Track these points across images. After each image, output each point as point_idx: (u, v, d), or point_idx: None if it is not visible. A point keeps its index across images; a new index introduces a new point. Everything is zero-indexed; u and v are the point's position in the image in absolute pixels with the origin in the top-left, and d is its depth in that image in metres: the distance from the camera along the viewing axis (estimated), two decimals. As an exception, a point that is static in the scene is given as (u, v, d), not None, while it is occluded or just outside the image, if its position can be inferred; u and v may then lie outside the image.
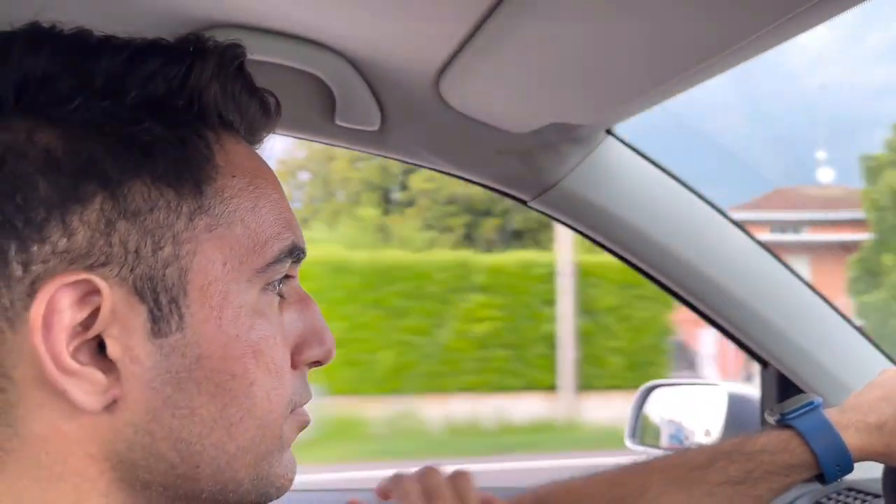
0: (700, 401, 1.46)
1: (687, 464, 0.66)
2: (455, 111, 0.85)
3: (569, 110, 0.82)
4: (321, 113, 0.87)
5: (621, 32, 0.65)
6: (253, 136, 0.49)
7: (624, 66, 0.72)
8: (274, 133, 0.91)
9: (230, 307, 0.42)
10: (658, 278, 1.04)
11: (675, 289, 1.05)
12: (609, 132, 0.95)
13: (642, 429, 1.50)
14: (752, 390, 1.28)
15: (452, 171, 0.98)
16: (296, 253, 0.46)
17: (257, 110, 0.48)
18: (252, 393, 0.43)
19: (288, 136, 0.93)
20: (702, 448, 0.67)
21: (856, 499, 1.10)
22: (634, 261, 1.02)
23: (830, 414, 0.65)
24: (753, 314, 1.07)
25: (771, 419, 0.69)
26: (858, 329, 1.11)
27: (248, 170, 0.46)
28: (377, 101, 0.84)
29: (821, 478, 0.65)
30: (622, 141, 0.97)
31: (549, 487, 0.68)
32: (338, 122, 0.87)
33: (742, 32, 0.60)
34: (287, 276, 0.47)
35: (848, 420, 0.64)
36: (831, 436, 0.63)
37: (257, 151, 0.50)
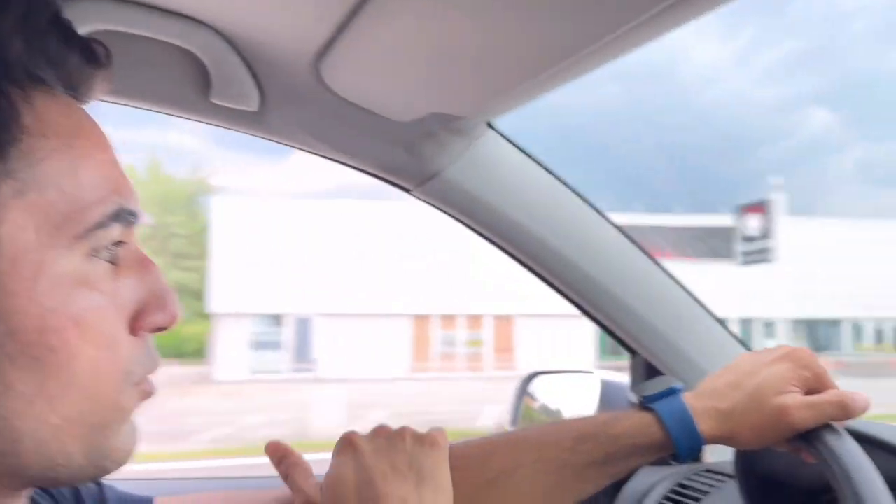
0: (577, 387, 1.53)
1: (557, 444, 0.67)
2: (337, 96, 0.84)
3: (448, 101, 0.83)
4: (195, 90, 0.84)
5: (495, 25, 0.66)
6: (77, 90, 0.45)
7: (499, 59, 0.73)
8: (144, 108, 0.88)
9: (45, 278, 0.40)
10: (534, 268, 1.07)
11: (551, 279, 1.09)
12: (490, 126, 0.97)
13: (523, 415, 1.55)
14: (623, 377, 1.35)
15: (335, 157, 0.97)
16: (124, 217, 0.43)
17: (78, 62, 0.44)
18: (74, 366, 0.41)
19: (161, 112, 0.89)
20: (570, 427, 0.68)
21: (713, 479, 1.18)
22: (512, 251, 1.05)
23: (688, 399, 0.68)
24: (623, 305, 1.12)
25: (635, 400, 0.72)
26: (717, 318, 1.19)
27: (66, 129, 0.42)
28: (255, 81, 0.82)
29: (674, 456, 0.68)
30: (503, 135, 0.99)
31: None
32: (213, 101, 0.84)
33: (611, 25, 0.62)
34: (121, 242, 0.44)
35: (702, 406, 0.67)
36: (687, 422, 0.66)
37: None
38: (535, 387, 1.57)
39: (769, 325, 20.70)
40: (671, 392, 0.69)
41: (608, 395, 1.30)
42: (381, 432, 0.58)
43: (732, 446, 0.70)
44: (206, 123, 0.90)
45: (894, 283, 19.94)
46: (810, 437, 0.64)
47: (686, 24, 0.65)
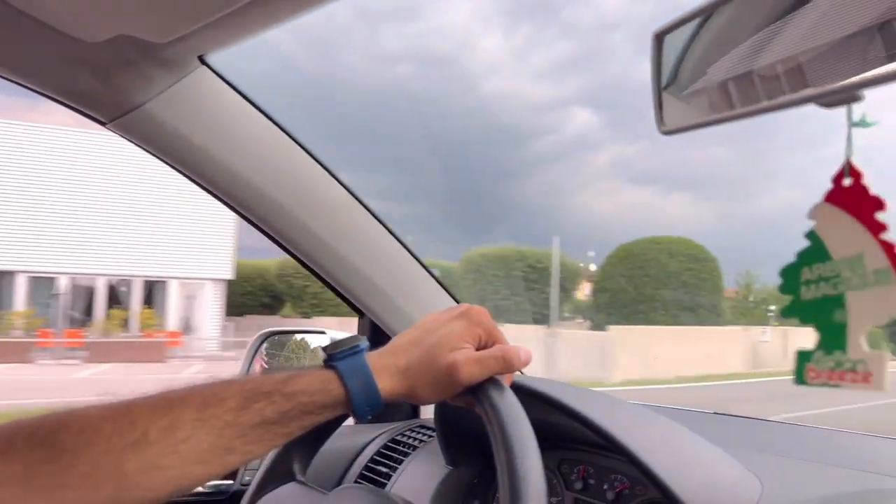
0: (309, 346, 1.51)
1: (223, 403, 0.62)
2: (5, 2, 0.71)
3: (140, 23, 0.74)
4: None
5: None
6: None
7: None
8: None
9: None
10: (251, 218, 1.01)
11: (271, 232, 1.04)
12: (203, 62, 0.89)
13: (257, 373, 1.50)
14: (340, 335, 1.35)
15: (12, 77, 0.83)
16: None
17: None
18: None
19: None
20: (242, 384, 0.64)
21: (424, 434, 1.23)
22: (225, 197, 0.98)
23: (371, 357, 0.67)
24: (346, 263, 1.10)
25: (321, 358, 0.70)
26: (437, 280, 1.23)
27: None
28: None
29: (354, 413, 0.67)
30: (218, 73, 0.91)
31: (57, 417, 0.59)
32: None
33: None
34: None
35: (383, 363, 0.67)
36: (367, 379, 0.65)
37: None
38: (268, 346, 1.53)
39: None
40: (356, 350, 0.68)
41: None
42: None
43: (412, 402, 0.71)
44: None
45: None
46: (476, 390, 0.66)
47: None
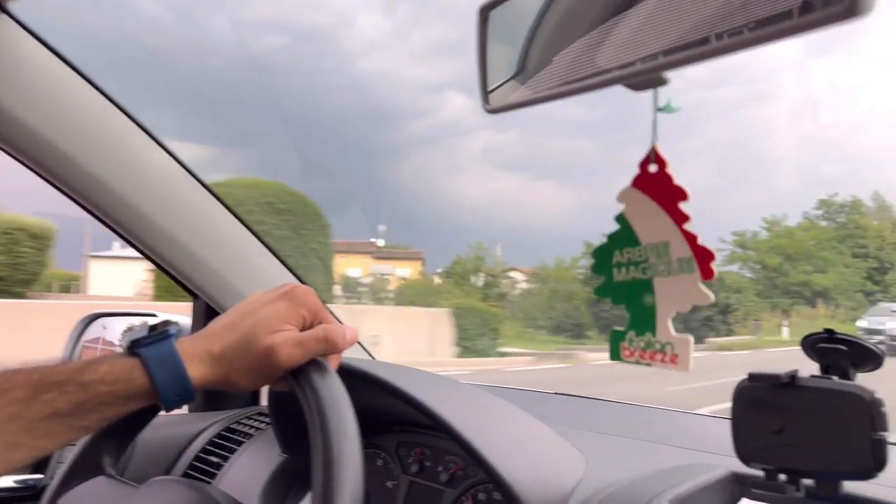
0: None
1: (7, 394, 0.56)
2: None
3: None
4: None
5: None
6: None
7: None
8: None
9: None
10: (63, 188, 0.92)
11: (86, 203, 0.94)
12: (5, 11, 0.79)
13: (80, 358, 1.38)
14: (187, 320, 1.27)
15: None
16: None
17: None
18: None
19: None
20: (29, 374, 0.58)
21: (262, 421, 1.18)
22: (31, 164, 0.88)
23: (182, 343, 0.62)
24: (173, 241, 1.03)
25: (124, 346, 0.65)
26: (281, 260, 1.17)
27: None
28: None
29: (163, 404, 0.62)
30: (22, 24, 0.82)
31: None
32: None
33: None
34: None
35: (195, 349, 0.62)
36: (174, 366, 0.60)
37: None
38: (95, 329, 1.42)
39: None
40: (163, 335, 0.63)
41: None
42: None
43: (228, 390, 0.67)
44: None
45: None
46: (298, 373, 0.63)
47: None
